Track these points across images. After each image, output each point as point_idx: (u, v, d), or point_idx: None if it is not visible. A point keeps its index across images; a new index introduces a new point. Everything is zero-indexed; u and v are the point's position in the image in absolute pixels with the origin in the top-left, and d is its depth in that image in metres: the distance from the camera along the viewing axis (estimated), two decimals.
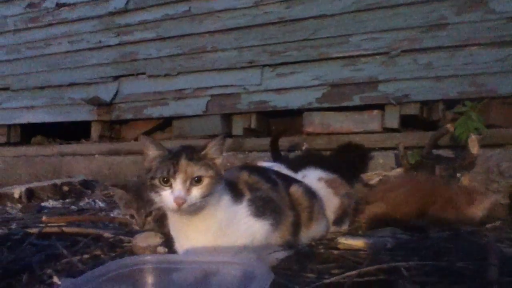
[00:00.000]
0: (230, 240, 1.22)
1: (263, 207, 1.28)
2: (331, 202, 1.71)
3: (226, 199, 1.23)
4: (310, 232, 1.52)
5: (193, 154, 1.16)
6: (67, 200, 2.93)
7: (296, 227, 1.43)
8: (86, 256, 1.49)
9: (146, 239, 1.49)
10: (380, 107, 2.85)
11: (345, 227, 1.77)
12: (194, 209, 1.14)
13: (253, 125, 3.29)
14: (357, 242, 1.48)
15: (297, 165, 1.94)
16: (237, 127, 3.34)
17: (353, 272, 1.15)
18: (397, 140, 2.49)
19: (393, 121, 2.81)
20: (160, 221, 1.55)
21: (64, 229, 1.81)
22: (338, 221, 1.74)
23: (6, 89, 4.39)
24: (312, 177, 1.77)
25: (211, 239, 1.20)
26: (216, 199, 1.18)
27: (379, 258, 1.31)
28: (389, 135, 2.75)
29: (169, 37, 3.60)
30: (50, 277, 1.27)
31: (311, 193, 1.56)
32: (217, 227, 1.20)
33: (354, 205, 1.83)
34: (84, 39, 4.00)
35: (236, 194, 1.27)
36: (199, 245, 1.20)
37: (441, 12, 2.70)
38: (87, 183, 3.27)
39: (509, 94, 2.55)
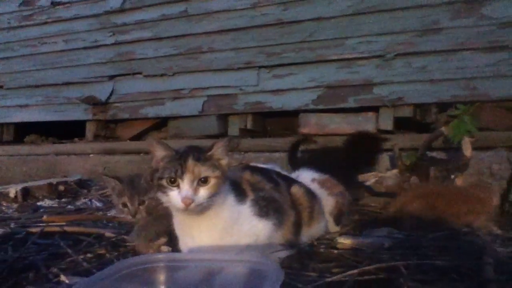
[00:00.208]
0: (234, 239, 1.24)
1: (266, 207, 1.31)
2: (326, 202, 1.73)
3: (230, 199, 1.25)
4: (311, 232, 1.55)
5: (200, 154, 1.18)
6: (63, 200, 2.91)
7: (298, 226, 1.46)
8: (89, 255, 1.50)
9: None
10: (375, 109, 2.89)
11: (342, 227, 1.80)
12: (201, 209, 1.16)
13: (249, 126, 3.31)
14: (356, 242, 1.52)
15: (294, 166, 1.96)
16: (233, 128, 3.36)
17: (354, 271, 1.18)
18: (391, 142, 2.54)
19: (387, 123, 2.85)
20: (155, 215, 1.54)
21: (66, 228, 1.81)
22: (335, 220, 1.77)
23: None
24: (305, 178, 1.78)
25: (216, 238, 1.22)
26: (221, 199, 1.21)
27: (378, 257, 1.35)
28: (383, 137, 2.79)
29: (166, 37, 3.61)
30: (56, 275, 1.27)
31: (311, 193, 1.60)
32: (222, 226, 1.23)
33: (348, 204, 1.86)
34: (80, 38, 3.99)
35: (240, 193, 1.29)
36: (204, 244, 1.22)
37: (435, 17, 2.74)
38: (82, 182, 3.26)
39: (501, 98, 2.60)
